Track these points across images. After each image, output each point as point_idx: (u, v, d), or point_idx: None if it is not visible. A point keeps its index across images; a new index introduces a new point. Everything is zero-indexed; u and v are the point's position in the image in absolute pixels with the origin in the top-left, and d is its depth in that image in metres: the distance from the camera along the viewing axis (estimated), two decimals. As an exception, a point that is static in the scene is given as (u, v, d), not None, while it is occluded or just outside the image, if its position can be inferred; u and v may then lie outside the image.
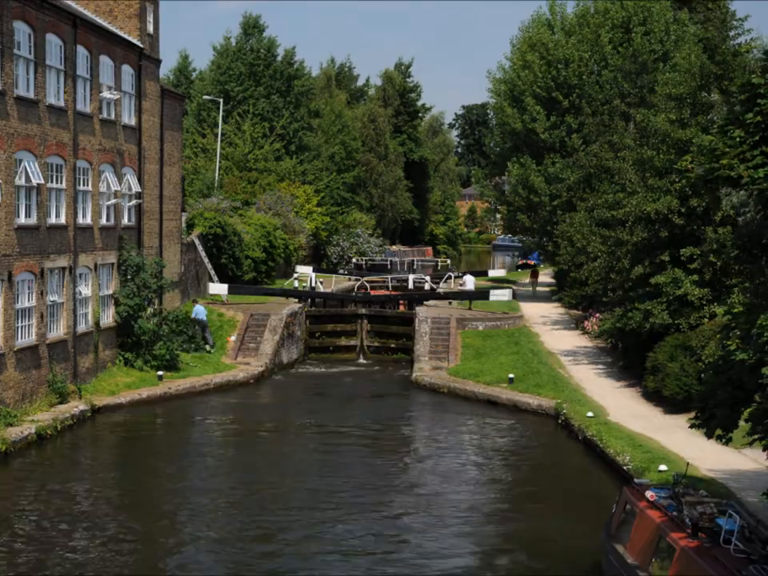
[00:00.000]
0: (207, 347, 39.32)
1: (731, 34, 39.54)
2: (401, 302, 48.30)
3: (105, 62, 34.26)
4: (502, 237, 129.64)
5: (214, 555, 19.38)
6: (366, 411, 33.99)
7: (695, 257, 30.98)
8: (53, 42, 30.18)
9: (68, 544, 19.75)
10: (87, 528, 20.85)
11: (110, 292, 35.09)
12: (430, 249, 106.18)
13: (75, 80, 31.74)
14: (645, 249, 33.27)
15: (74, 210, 31.86)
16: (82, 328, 32.64)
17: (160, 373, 34.77)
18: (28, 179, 28.45)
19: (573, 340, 42.52)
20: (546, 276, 70.99)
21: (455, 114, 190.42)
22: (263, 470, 25.91)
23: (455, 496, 23.53)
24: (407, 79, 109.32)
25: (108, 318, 34.92)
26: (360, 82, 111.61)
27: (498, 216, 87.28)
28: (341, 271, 67.58)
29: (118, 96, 34.87)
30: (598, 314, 42.62)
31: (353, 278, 63.67)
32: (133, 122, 37.21)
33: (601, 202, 39.09)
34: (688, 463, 20.92)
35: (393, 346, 44.54)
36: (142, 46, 37.46)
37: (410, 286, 55.87)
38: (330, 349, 44.94)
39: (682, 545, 14.91)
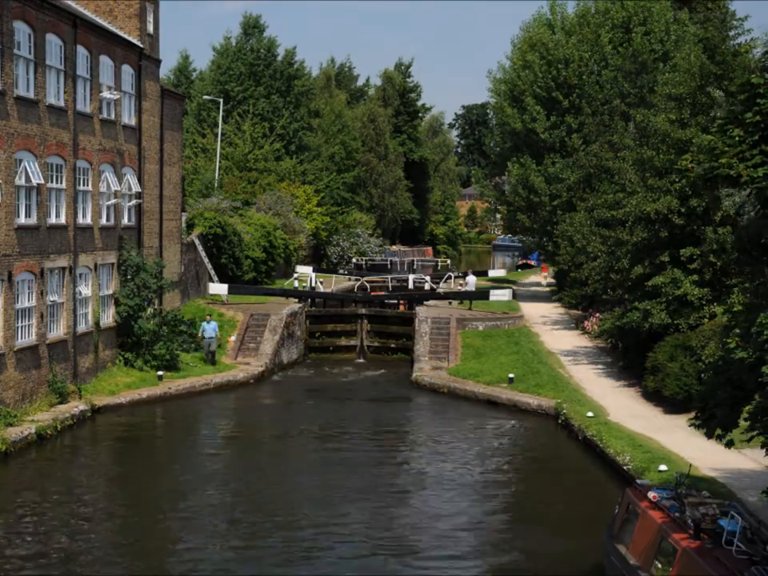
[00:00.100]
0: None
1: (731, 33, 39.61)
2: (401, 301, 48.31)
3: (105, 62, 34.26)
4: (501, 237, 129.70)
5: (213, 555, 19.37)
6: (365, 411, 33.98)
7: (695, 257, 30.98)
8: (53, 42, 30.17)
9: (67, 544, 19.73)
10: (87, 528, 20.84)
11: (110, 292, 35.08)
12: (429, 249, 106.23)
13: (75, 80, 31.73)
14: (645, 249, 33.27)
15: (73, 210, 31.85)
16: (81, 328, 32.63)
17: (160, 373, 34.76)
18: (28, 179, 28.44)
19: (573, 340, 42.53)
20: (549, 278, 71.04)
21: (455, 113, 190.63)
22: (263, 470, 25.90)
23: (454, 497, 23.51)
24: (407, 79, 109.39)
25: (108, 318, 34.91)
26: (360, 82, 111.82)
27: (498, 216, 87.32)
28: (341, 271, 67.63)
29: (118, 96, 34.86)
30: (597, 314, 42.64)
31: (353, 277, 63.70)
32: (133, 122, 37.20)
33: (601, 202, 39.10)
34: (690, 464, 20.91)
35: (393, 346, 44.55)
36: (141, 46, 37.46)
37: (410, 285, 55.89)
38: (330, 349, 44.95)
39: (684, 546, 14.90)
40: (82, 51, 32.27)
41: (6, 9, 27.12)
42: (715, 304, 30.42)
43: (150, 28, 38.92)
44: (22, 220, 28.66)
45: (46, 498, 22.76)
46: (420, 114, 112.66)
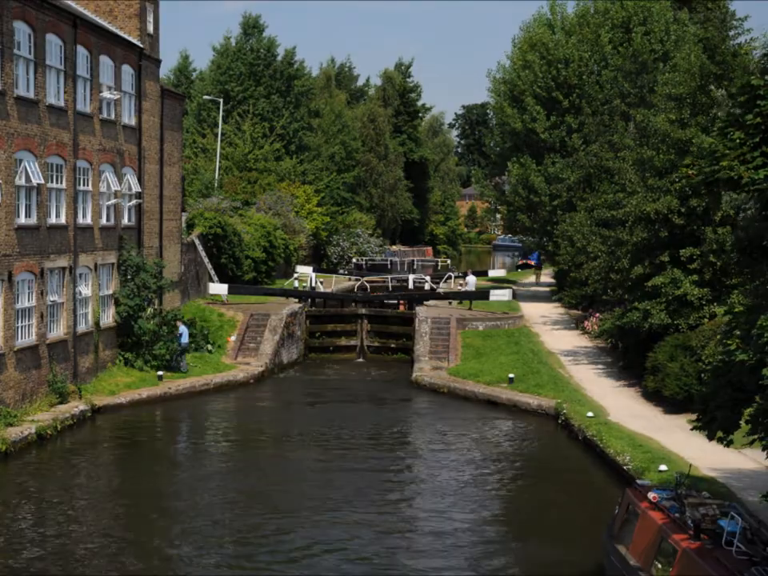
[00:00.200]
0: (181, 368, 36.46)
1: (731, 33, 39.59)
2: (401, 301, 48.31)
3: (105, 61, 34.25)
4: (502, 237, 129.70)
5: (213, 555, 19.36)
6: (365, 411, 33.98)
7: (695, 257, 30.98)
8: (53, 42, 30.17)
9: (67, 544, 19.74)
10: (86, 528, 20.84)
11: (110, 292, 35.08)
12: (429, 249, 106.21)
13: (75, 80, 31.73)
14: (645, 249, 33.26)
15: (74, 210, 31.85)
16: (82, 328, 32.63)
17: (160, 373, 34.76)
18: (28, 179, 28.44)
19: (573, 340, 42.53)
20: (546, 276, 71.04)
21: (455, 113, 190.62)
22: (263, 470, 25.89)
23: (454, 497, 23.51)
24: (407, 79, 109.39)
25: (108, 318, 34.91)
26: (360, 82, 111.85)
27: (498, 216, 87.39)
28: (341, 271, 67.62)
29: (118, 96, 34.86)
30: (597, 314, 42.63)
31: (353, 277, 63.69)
32: (133, 122, 37.20)
33: (601, 202, 39.10)
34: (690, 465, 20.91)
35: (393, 345, 44.55)
36: (141, 45, 37.45)
37: (410, 285, 55.88)
38: (330, 349, 44.95)
39: (684, 546, 14.90)
40: (81, 51, 32.27)
41: (6, 9, 27.12)
42: (715, 304, 30.42)
43: (150, 28, 38.91)
44: (22, 220, 28.66)
45: (46, 498, 22.75)
46: (420, 114, 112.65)
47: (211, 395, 35.14)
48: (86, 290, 32.86)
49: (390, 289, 56.78)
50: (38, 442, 26.96)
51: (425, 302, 45.98)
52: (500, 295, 46.19)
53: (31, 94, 28.90)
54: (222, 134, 68.74)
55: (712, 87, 32.76)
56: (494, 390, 34.67)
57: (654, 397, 31.05)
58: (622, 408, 30.51)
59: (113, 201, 35.04)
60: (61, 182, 31.10)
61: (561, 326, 45.88)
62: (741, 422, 16.40)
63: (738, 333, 15.59)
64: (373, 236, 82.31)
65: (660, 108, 35.81)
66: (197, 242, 47.31)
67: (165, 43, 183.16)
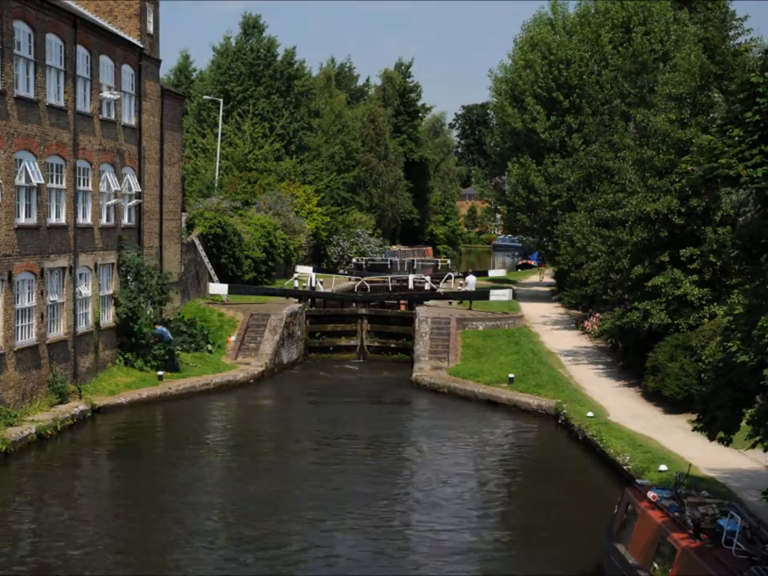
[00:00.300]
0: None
1: (731, 33, 39.53)
2: (401, 301, 48.30)
3: (105, 61, 34.25)
4: (502, 237, 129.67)
5: (213, 555, 19.36)
6: (365, 411, 33.99)
7: (695, 257, 30.98)
8: (53, 42, 30.17)
9: (67, 544, 19.73)
10: (86, 528, 20.85)
11: (110, 292, 35.08)
12: (429, 249, 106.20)
13: (75, 80, 31.73)
14: (645, 249, 33.26)
15: (74, 210, 31.85)
16: (82, 328, 32.63)
17: (160, 373, 34.75)
18: (28, 179, 28.44)
19: (573, 340, 42.52)
20: (546, 276, 71.06)
21: (455, 114, 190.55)
22: (262, 471, 25.87)
23: (454, 497, 23.51)
24: (407, 79, 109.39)
25: (108, 318, 34.90)
26: (360, 82, 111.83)
27: (498, 216, 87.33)
28: (341, 271, 67.61)
29: (118, 96, 34.86)
30: (597, 314, 42.63)
31: (353, 277, 63.68)
32: (133, 122, 37.20)
33: (601, 201, 39.09)
34: (690, 464, 20.91)
35: (393, 345, 44.54)
36: (142, 45, 37.45)
37: (410, 285, 55.88)
38: (330, 349, 44.94)
39: (684, 545, 14.90)
40: (81, 51, 32.27)
41: (6, 9, 27.13)
42: (715, 304, 30.42)
43: (150, 28, 38.91)
44: (22, 220, 28.66)
45: (46, 499, 22.75)
46: (420, 114, 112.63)
47: (211, 395, 35.14)
48: (86, 290, 32.86)
49: (390, 289, 56.77)
50: (38, 442, 26.96)
51: (425, 302, 45.98)
52: (500, 295, 46.20)
53: (31, 94, 28.90)
54: (222, 134, 68.74)
55: (708, 94, 32.76)
56: (494, 390, 34.67)
57: (653, 397, 31.05)
58: (621, 408, 30.51)
59: (113, 201, 35.04)
60: (61, 182, 31.10)
61: (561, 326, 45.88)
62: (741, 423, 16.39)
63: (739, 334, 15.58)
64: (373, 236, 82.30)
65: (660, 108, 35.81)
66: (197, 241, 47.32)
67: (165, 43, 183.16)
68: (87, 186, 33.15)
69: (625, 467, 24.47)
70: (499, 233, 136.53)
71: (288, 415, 33.68)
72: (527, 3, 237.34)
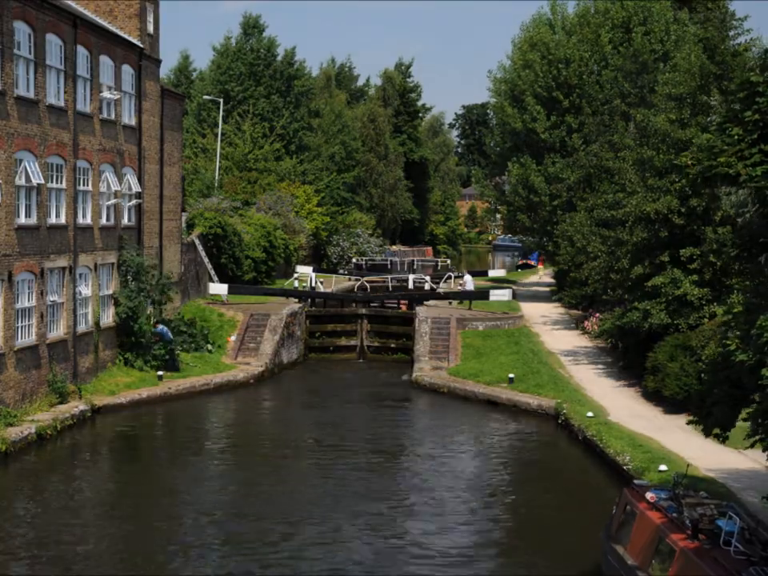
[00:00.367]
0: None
1: (731, 33, 39.57)
2: (401, 301, 48.30)
3: (105, 62, 34.26)
4: (502, 237, 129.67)
5: (213, 555, 19.37)
6: (365, 411, 33.99)
7: (695, 257, 30.98)
8: (53, 42, 30.18)
9: (67, 544, 19.74)
10: (86, 528, 20.86)
11: (110, 292, 35.09)
12: (429, 249, 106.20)
13: (75, 80, 31.73)
14: (645, 249, 33.26)
15: (74, 210, 31.86)
16: (82, 328, 32.64)
17: (160, 373, 34.75)
18: (28, 179, 28.45)
19: (573, 340, 42.52)
20: (546, 276, 71.05)
21: (455, 113, 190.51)
22: (262, 472, 25.87)
23: (454, 497, 23.52)
24: (407, 79, 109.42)
25: (108, 318, 34.91)
26: (360, 82, 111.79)
27: (498, 216, 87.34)
28: (341, 271, 67.59)
29: (118, 96, 34.87)
30: (597, 314, 42.63)
31: (353, 277, 63.68)
32: (133, 121, 37.21)
33: (601, 201, 39.10)
34: (688, 464, 20.92)
35: (393, 345, 44.54)
36: (142, 45, 37.46)
37: (410, 285, 55.88)
38: (330, 349, 44.95)
39: (682, 546, 14.90)
40: (82, 51, 32.28)
41: (6, 9, 27.13)
42: (715, 304, 30.39)
43: (150, 28, 38.92)
44: (22, 220, 28.67)
45: (46, 498, 22.76)
46: (420, 114, 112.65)
47: (211, 395, 35.14)
48: (86, 290, 32.87)
49: (390, 289, 56.77)
50: (38, 442, 26.96)
51: (425, 302, 45.99)
52: (500, 295, 46.19)
53: (31, 94, 28.91)
54: (222, 134, 68.74)
55: (705, 97, 32.77)
56: (494, 390, 34.67)
57: (653, 397, 31.04)
58: (621, 408, 30.51)
59: (113, 201, 35.05)
60: (61, 182, 31.11)
61: (561, 326, 45.88)
62: (738, 420, 16.40)
63: (738, 333, 15.59)
64: (373, 236, 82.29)
65: (660, 108, 35.80)
66: (197, 241, 47.33)
67: (165, 43, 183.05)
68: (87, 186, 33.15)
69: (625, 467, 24.47)
70: (499, 233, 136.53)
71: (288, 415, 33.69)
72: (527, 3, 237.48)
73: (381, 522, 21.48)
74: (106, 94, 34.07)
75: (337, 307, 47.58)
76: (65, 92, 31.02)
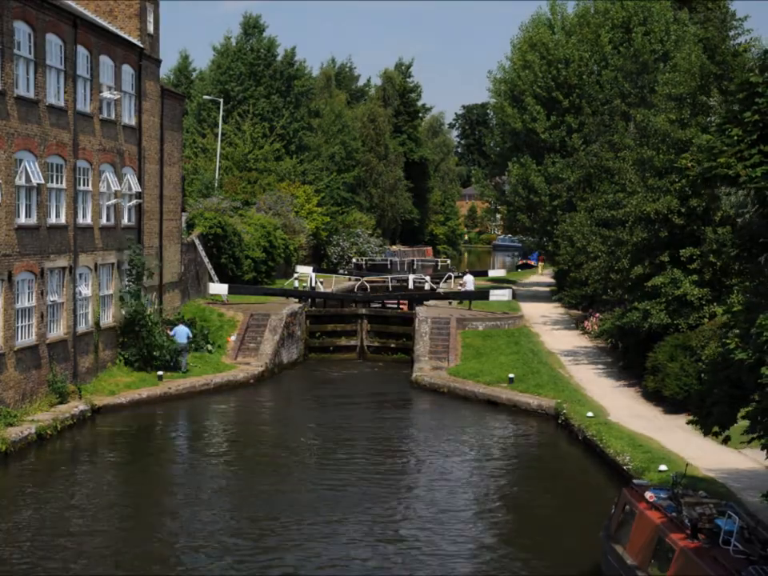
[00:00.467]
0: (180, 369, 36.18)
1: (731, 34, 39.53)
2: (401, 301, 48.31)
3: (105, 61, 34.26)
4: (502, 237, 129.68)
5: (213, 556, 19.37)
6: (365, 411, 34.00)
7: (695, 257, 30.98)
8: (53, 42, 30.18)
9: (67, 544, 19.75)
10: (86, 528, 20.86)
11: (110, 292, 35.09)
12: (429, 249, 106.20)
13: (75, 80, 31.74)
14: (645, 249, 33.27)
15: (74, 210, 31.86)
16: (82, 328, 32.64)
17: (160, 373, 34.75)
18: (28, 179, 28.46)
19: (573, 340, 42.52)
20: (546, 276, 71.04)
21: (455, 113, 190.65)
22: (262, 472, 25.88)
23: (455, 497, 23.52)
24: (407, 79, 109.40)
25: (108, 318, 34.92)
26: (360, 82, 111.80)
27: (498, 216, 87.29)
28: (341, 271, 67.59)
29: (118, 96, 34.87)
30: (597, 314, 42.63)
31: (353, 277, 63.68)
32: (133, 121, 37.21)
33: (601, 201, 39.10)
34: (687, 464, 20.93)
35: (393, 345, 44.55)
36: (142, 45, 37.46)
37: (410, 285, 55.88)
38: (330, 349, 44.95)
39: (682, 545, 14.90)
40: (82, 51, 32.28)
41: (6, 9, 27.14)
42: (715, 304, 30.40)
43: (150, 28, 38.92)
44: (22, 220, 28.68)
45: (46, 498, 22.76)
46: (420, 114, 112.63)
47: (211, 395, 35.14)
48: (86, 289, 32.87)
49: (390, 289, 56.78)
50: (38, 442, 26.97)
51: (425, 302, 45.99)
52: (500, 295, 46.19)
53: (31, 94, 28.91)
54: (222, 134, 68.74)
55: (704, 98, 32.77)
56: (494, 390, 34.67)
57: (653, 397, 31.04)
58: (622, 408, 30.51)
59: (113, 201, 35.05)
60: (61, 182, 31.12)
61: (561, 326, 45.88)
62: (737, 419, 16.41)
63: (737, 332, 15.60)
64: (373, 236, 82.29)
65: (660, 108, 35.81)
66: (197, 241, 47.33)
67: (165, 43, 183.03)
68: (87, 186, 33.16)
69: (625, 467, 24.48)
70: (499, 233, 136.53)
71: (288, 415, 33.69)
72: (527, 3, 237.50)
73: (380, 522, 21.47)
74: (106, 94, 34.07)
75: (337, 307, 47.59)
76: (65, 92, 31.03)
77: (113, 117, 35.09)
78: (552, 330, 44.74)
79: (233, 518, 21.64)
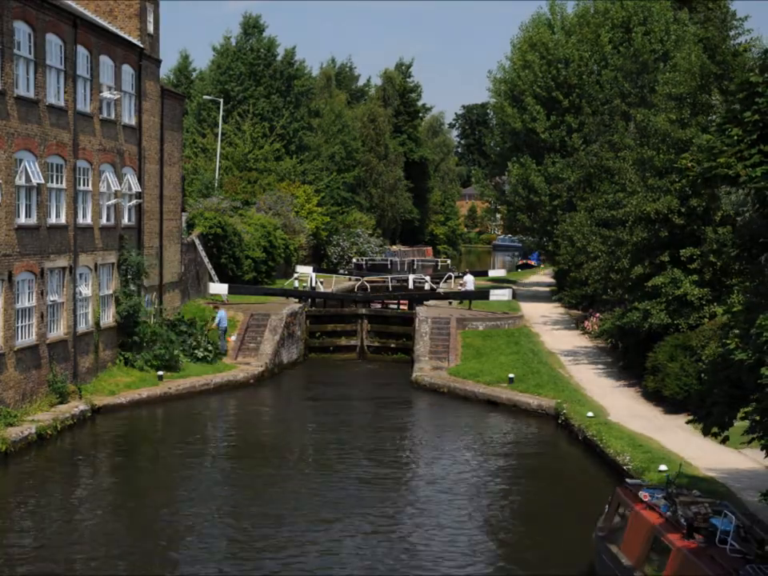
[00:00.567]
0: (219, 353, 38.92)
1: (731, 33, 39.54)
2: (401, 301, 48.30)
3: (105, 61, 34.26)
4: (502, 237, 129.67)
5: (213, 556, 19.36)
6: (365, 411, 34.01)
7: (695, 257, 30.99)
8: (53, 41, 30.18)
9: (67, 544, 19.75)
10: (86, 528, 20.86)
11: (110, 292, 35.09)
12: (430, 249, 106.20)
13: (75, 80, 31.74)
14: (645, 249, 33.27)
15: (74, 210, 31.86)
16: (82, 328, 32.64)
17: (160, 373, 34.76)
18: (28, 179, 28.46)
19: (573, 340, 42.53)
20: (546, 276, 71.03)
21: (455, 113, 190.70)
22: (262, 472, 25.88)
23: (454, 497, 23.52)
24: (407, 79, 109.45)
25: (108, 317, 34.92)
26: (360, 82, 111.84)
27: (498, 216, 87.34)
28: (341, 271, 67.61)
29: (118, 96, 34.87)
30: (598, 314, 42.64)
31: (353, 277, 63.69)
32: (133, 121, 37.21)
33: (601, 201, 39.11)
34: (681, 463, 20.95)
35: (393, 345, 44.56)
36: (142, 45, 37.46)
37: (410, 285, 55.89)
38: (330, 349, 44.96)
39: (678, 545, 14.89)
40: (82, 51, 32.28)
41: (6, 9, 27.14)
42: (715, 304, 30.41)
43: (150, 28, 38.92)
44: (22, 220, 28.68)
45: (46, 498, 22.76)
46: (420, 114, 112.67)
47: (211, 395, 35.15)
48: (86, 289, 32.87)
49: (390, 289, 56.78)
50: (38, 441, 26.97)
51: (425, 302, 45.99)
52: (500, 295, 46.21)
53: (31, 94, 28.91)
54: (222, 134, 68.75)
55: (706, 96, 32.76)
56: (494, 390, 34.68)
57: (653, 397, 31.05)
58: (621, 408, 30.52)
59: (113, 201, 35.05)
60: (61, 182, 31.12)
61: (561, 326, 45.89)
62: (737, 419, 16.42)
63: (737, 332, 15.61)
64: (373, 236, 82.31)
65: (660, 108, 35.81)
66: (197, 241, 47.33)
67: (165, 43, 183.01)
68: (87, 185, 33.16)
69: (625, 467, 24.48)
70: (499, 233, 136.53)
71: (288, 415, 33.70)
72: (527, 3, 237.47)
73: (380, 522, 21.47)
74: (105, 94, 34.07)
75: (337, 307, 47.59)
76: (65, 92, 31.02)
77: (113, 117, 35.09)
78: (552, 329, 44.74)
79: (233, 518, 21.63)
